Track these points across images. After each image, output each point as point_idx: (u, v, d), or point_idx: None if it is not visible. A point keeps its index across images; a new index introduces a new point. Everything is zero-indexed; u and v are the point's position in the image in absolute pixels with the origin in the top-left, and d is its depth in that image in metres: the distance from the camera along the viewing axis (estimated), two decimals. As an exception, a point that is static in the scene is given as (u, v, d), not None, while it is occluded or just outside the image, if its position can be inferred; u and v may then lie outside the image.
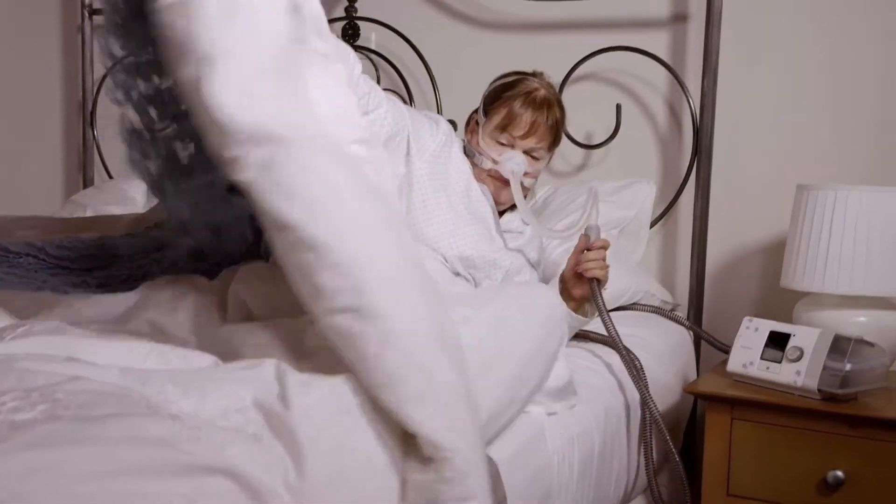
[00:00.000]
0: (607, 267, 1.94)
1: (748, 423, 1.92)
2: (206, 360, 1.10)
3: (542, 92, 2.16)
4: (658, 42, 2.56)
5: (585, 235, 1.96)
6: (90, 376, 0.96)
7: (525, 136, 2.12)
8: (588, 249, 1.94)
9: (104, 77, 3.14)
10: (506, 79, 2.22)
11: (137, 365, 1.07)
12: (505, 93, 2.15)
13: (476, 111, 2.22)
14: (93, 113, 3.18)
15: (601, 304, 1.91)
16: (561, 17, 2.65)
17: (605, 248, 1.95)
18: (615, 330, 1.92)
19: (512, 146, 2.13)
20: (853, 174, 2.39)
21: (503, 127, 2.13)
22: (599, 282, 1.94)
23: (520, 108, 2.12)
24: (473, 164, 2.15)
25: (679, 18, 2.55)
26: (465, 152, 2.17)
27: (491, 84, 2.22)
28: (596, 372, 1.95)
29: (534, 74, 2.21)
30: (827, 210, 2.05)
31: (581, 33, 2.63)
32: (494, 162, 2.12)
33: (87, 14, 3.16)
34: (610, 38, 2.58)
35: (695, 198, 2.44)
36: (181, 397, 0.96)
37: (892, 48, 2.36)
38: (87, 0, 3.15)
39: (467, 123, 2.24)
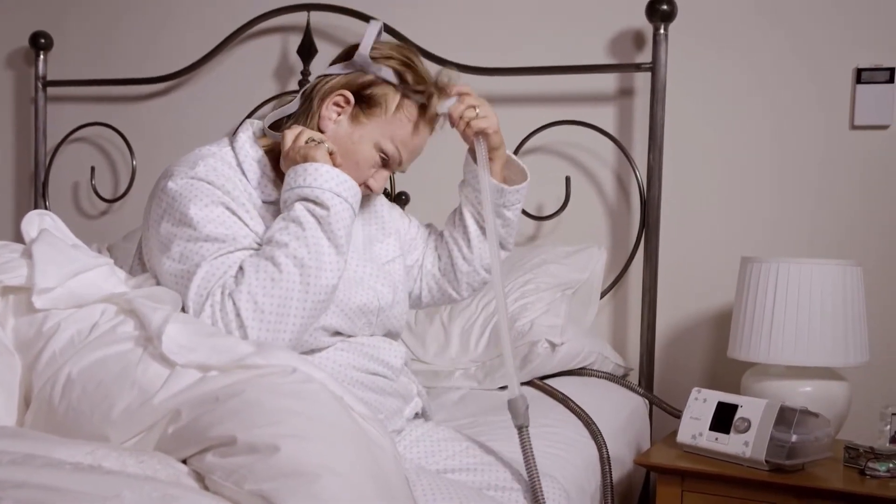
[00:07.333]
0: (490, 112, 1.54)
1: (698, 494, 1.94)
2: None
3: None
4: (605, 116, 2.62)
5: (444, 94, 1.54)
6: (38, 479, 0.95)
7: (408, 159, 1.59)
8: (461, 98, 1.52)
9: (56, 148, 3.15)
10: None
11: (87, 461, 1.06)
12: (379, 87, 1.51)
13: (329, 82, 1.55)
14: (45, 184, 3.16)
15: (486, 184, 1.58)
16: (509, 91, 2.70)
17: (467, 94, 1.54)
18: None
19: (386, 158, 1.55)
20: (795, 246, 2.45)
21: (404, 142, 1.54)
22: (488, 136, 1.56)
23: (424, 127, 1.56)
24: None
25: (625, 93, 2.62)
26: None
27: None
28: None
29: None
30: (770, 282, 2.10)
31: (529, 107, 2.68)
32: (363, 180, 1.54)
33: (40, 86, 3.16)
34: (558, 111, 2.63)
35: (643, 267, 2.49)
36: None
37: (831, 123, 2.44)
38: (40, 72, 3.16)
39: (319, 93, 1.56)
